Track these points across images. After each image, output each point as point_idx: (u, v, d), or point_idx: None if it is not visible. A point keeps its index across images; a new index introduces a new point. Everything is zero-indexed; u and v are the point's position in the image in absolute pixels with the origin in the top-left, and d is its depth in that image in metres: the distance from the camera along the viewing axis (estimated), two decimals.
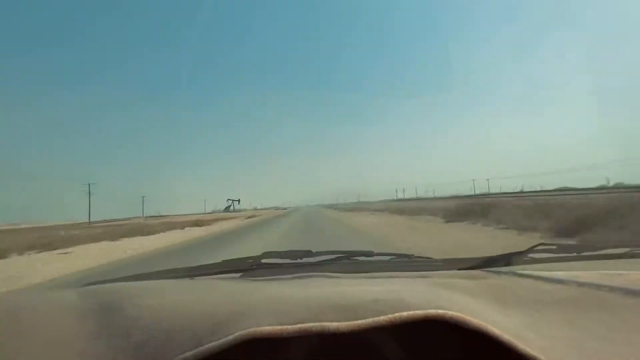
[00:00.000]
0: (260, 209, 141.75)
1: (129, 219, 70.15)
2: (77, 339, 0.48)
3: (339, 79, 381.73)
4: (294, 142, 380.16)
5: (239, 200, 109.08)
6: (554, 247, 0.88)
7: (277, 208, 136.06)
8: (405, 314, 0.42)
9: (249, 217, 30.84)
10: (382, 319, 0.41)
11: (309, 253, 1.00)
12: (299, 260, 0.99)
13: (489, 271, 0.82)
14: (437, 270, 0.87)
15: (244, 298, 0.56)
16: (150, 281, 0.88)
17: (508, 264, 0.89)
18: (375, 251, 1.02)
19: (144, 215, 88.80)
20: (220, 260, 0.99)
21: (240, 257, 0.99)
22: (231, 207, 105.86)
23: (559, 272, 0.78)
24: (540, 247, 0.90)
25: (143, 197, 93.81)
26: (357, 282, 0.72)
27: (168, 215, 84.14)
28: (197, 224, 20.44)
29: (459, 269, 0.87)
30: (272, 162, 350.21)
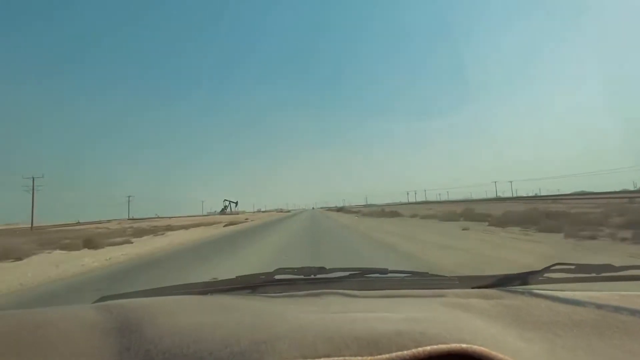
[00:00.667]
0: (264, 212, 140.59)
1: (102, 221, 64.43)
2: (101, 358, 0.50)
3: (350, 81, 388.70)
4: (301, 144, 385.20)
5: (236, 202, 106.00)
6: (572, 266, 0.88)
7: (280, 210, 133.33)
8: (429, 348, 0.43)
9: (228, 225, 24.80)
10: (406, 353, 0.43)
11: (322, 269, 1.02)
12: (312, 277, 1.00)
13: (505, 290, 0.84)
14: (452, 288, 0.89)
15: (264, 323, 0.57)
16: (166, 297, 0.90)
17: (524, 283, 0.90)
18: (390, 268, 1.04)
19: (129, 217, 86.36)
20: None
21: (254, 273, 1.02)
22: (227, 209, 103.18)
23: (577, 292, 0.79)
24: (557, 267, 0.90)
25: (129, 197, 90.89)
26: (374, 304, 0.75)
27: (158, 218, 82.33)
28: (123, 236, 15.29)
29: (473, 287, 0.89)
30: (279, 165, 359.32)
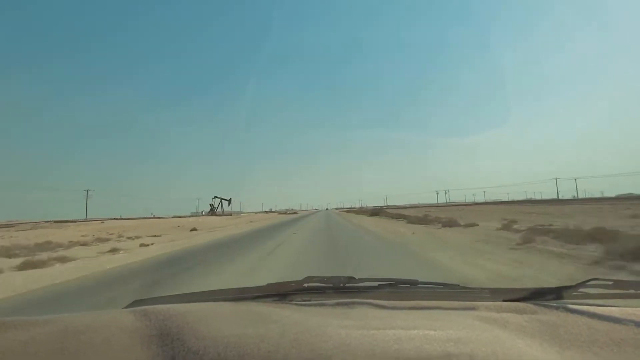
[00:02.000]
0: (269, 212, 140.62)
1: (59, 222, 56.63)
2: None
3: (366, 83, 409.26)
4: (316, 144, 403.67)
5: (229, 200, 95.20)
6: (609, 282, 0.88)
7: (286, 212, 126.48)
8: None
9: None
10: None
11: (352, 279, 1.07)
12: (341, 286, 1.05)
13: (538, 304, 0.85)
14: (483, 301, 0.91)
15: (307, 338, 0.60)
16: (199, 304, 0.95)
17: (557, 298, 0.91)
18: (420, 279, 1.07)
19: (87, 216, 79.98)
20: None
21: (283, 281, 1.08)
22: (218, 209, 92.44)
23: (614, 308, 0.80)
24: (593, 282, 0.90)
25: (87, 191, 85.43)
26: (409, 317, 0.78)
27: (120, 219, 74.01)
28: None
29: (504, 301, 0.91)
30: (291, 164, 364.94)
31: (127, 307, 0.98)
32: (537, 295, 0.92)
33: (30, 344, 0.61)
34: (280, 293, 1.01)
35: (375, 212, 40.80)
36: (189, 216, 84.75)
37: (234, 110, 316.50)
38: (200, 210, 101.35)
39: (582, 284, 0.90)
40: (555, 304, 0.85)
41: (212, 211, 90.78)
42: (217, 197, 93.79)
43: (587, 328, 0.67)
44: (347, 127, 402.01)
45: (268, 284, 1.05)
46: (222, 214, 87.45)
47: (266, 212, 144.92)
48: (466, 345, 0.55)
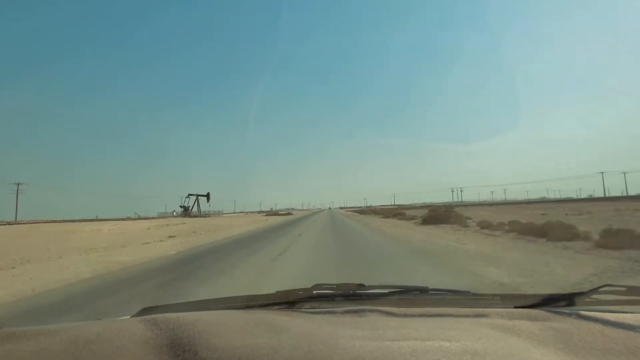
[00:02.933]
0: (263, 212, 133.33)
1: None
2: None
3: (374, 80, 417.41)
4: (322, 143, 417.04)
5: (207, 195, 78.98)
6: (623, 288, 0.88)
7: (276, 212, 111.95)
8: None
9: None
10: None
11: (361, 286, 1.08)
12: (351, 293, 1.07)
13: (550, 311, 0.86)
14: (494, 307, 0.92)
15: (320, 350, 0.60)
16: (209, 312, 0.97)
17: (570, 304, 0.92)
18: (430, 287, 1.08)
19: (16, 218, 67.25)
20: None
21: (293, 288, 1.10)
22: (192, 208, 77.40)
23: (628, 314, 0.81)
24: (606, 289, 0.90)
25: (18, 184, 73.40)
26: (420, 325, 0.79)
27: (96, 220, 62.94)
28: None
29: (515, 307, 0.92)
30: (293, 163, 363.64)
31: (135, 315, 1.00)
32: (549, 301, 0.93)
33: (41, 354, 0.61)
34: (290, 300, 1.03)
35: (392, 212, 36.25)
36: (156, 217, 70.42)
37: (233, 109, 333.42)
38: (172, 211, 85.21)
39: (595, 290, 0.91)
40: (567, 311, 0.86)
41: (186, 211, 76.19)
42: (191, 194, 77.91)
43: (602, 336, 0.67)
44: (352, 126, 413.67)
45: (277, 292, 1.07)
46: (199, 214, 74.41)
47: (259, 212, 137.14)
48: (483, 358, 0.56)
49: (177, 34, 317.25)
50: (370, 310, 0.89)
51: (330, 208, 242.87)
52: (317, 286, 1.08)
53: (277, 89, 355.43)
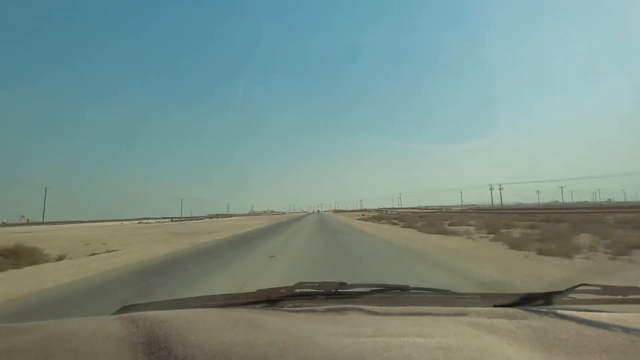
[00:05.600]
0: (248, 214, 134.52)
1: None
2: None
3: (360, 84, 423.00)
4: (307, 142, 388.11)
5: None
6: (598, 287, 0.91)
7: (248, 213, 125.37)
8: None
9: None
10: None
11: (343, 285, 1.09)
12: (333, 292, 1.08)
13: (529, 310, 0.89)
14: (474, 306, 0.95)
15: (295, 347, 0.61)
16: (189, 310, 0.97)
17: (547, 303, 0.96)
18: (412, 285, 1.10)
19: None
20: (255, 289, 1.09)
21: (274, 287, 1.11)
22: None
23: (602, 313, 0.84)
24: (582, 287, 0.94)
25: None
26: (399, 323, 0.80)
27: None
28: None
29: (495, 306, 0.95)
30: (282, 165, 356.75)
31: (115, 313, 0.99)
32: (527, 301, 0.96)
33: (12, 352, 0.60)
34: (271, 299, 1.04)
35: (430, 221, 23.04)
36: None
37: (223, 114, 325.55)
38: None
39: (571, 289, 0.94)
40: (545, 309, 0.89)
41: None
42: None
43: (576, 334, 0.70)
44: (350, 124, 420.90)
45: (258, 290, 1.08)
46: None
47: (249, 213, 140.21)
48: (455, 353, 0.57)
49: (172, 37, 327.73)
50: (351, 309, 0.91)
51: (319, 211, 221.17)
52: (300, 285, 1.09)
53: (257, 96, 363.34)
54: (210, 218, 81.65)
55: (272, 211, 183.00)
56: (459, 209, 76.63)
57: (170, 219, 59.65)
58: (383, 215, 47.53)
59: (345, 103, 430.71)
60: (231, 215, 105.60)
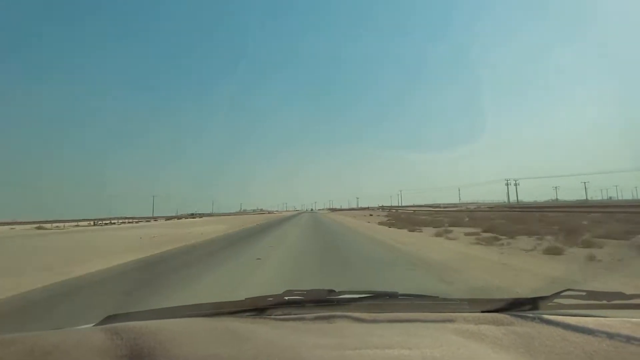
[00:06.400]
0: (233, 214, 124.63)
1: None
2: None
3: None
4: (309, 138, 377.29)
5: None
6: (583, 293, 0.94)
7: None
8: None
9: None
10: None
11: (332, 292, 1.10)
12: (321, 299, 1.08)
13: (515, 315, 0.90)
14: (462, 312, 0.96)
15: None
16: (175, 320, 0.96)
17: (534, 308, 0.97)
18: (400, 292, 1.11)
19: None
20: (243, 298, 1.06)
21: (262, 295, 1.09)
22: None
23: (588, 318, 0.85)
24: (567, 293, 0.96)
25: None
26: (386, 331, 0.81)
27: None
28: None
29: (482, 312, 0.96)
30: (276, 160, 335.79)
31: (99, 323, 0.98)
32: (514, 306, 0.98)
33: None
34: (259, 307, 1.03)
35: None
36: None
37: (213, 112, 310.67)
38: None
39: (557, 294, 0.96)
40: (531, 315, 0.90)
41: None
42: None
43: (561, 339, 0.72)
44: (346, 120, 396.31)
45: (246, 299, 1.07)
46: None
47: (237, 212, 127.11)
48: None
49: (167, 35, 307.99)
50: (340, 317, 0.91)
51: (312, 209, 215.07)
52: (288, 292, 1.08)
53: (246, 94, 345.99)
54: (178, 219, 66.47)
55: (261, 210, 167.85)
56: (473, 207, 68.13)
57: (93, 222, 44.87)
58: (408, 218, 28.68)
59: (344, 99, 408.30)
60: (210, 215, 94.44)
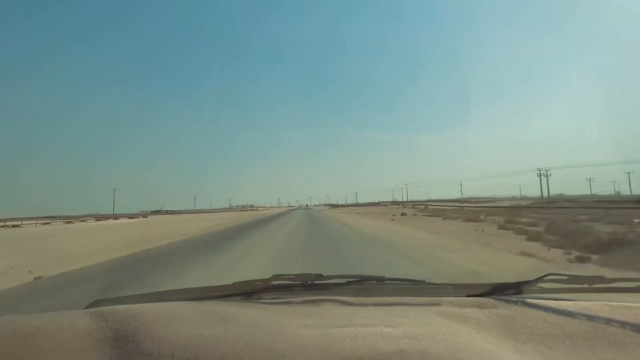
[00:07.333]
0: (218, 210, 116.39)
1: None
2: None
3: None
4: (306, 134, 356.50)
5: None
6: (565, 277, 0.98)
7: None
8: None
9: None
10: None
11: (319, 276, 1.11)
12: (309, 283, 1.10)
13: (499, 299, 0.93)
14: (448, 296, 0.99)
15: (264, 339, 0.63)
16: (161, 304, 0.97)
17: (517, 292, 1.01)
18: (387, 276, 1.14)
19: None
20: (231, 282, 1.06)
21: (250, 279, 1.11)
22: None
23: (569, 302, 0.89)
24: (550, 277, 1.00)
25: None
26: (372, 313, 0.83)
27: None
28: None
29: (468, 296, 0.99)
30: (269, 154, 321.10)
31: (86, 307, 0.98)
32: (499, 290, 1.02)
33: None
34: (247, 291, 1.04)
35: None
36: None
37: (202, 98, 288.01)
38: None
39: (540, 278, 1.00)
40: (514, 299, 0.93)
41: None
42: None
43: (543, 322, 0.74)
44: (345, 112, 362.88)
45: (234, 283, 1.08)
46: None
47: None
48: (420, 342, 0.59)
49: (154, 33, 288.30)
50: (327, 300, 0.93)
51: (307, 205, 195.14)
52: (276, 277, 1.09)
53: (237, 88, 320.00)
54: (144, 217, 58.87)
55: (251, 206, 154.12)
56: (507, 203, 57.31)
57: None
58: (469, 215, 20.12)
59: (342, 90, 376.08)
60: (178, 213, 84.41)
